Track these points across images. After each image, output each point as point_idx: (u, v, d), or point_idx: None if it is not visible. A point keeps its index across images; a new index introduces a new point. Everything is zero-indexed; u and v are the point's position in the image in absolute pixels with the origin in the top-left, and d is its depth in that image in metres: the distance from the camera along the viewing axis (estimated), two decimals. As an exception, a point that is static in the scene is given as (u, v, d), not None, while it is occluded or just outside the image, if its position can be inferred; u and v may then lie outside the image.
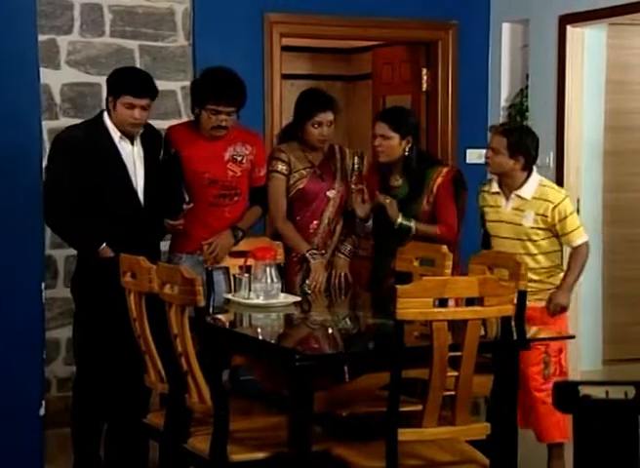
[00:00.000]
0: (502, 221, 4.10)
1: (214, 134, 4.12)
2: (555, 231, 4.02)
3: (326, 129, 4.23)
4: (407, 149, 4.20)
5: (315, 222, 4.28)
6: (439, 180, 4.21)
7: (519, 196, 4.05)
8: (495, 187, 4.15)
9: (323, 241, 4.29)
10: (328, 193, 4.28)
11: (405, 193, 4.23)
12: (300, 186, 4.26)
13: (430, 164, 4.34)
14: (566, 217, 3.99)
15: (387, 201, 4.15)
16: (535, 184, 4.06)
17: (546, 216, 4.00)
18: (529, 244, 4.04)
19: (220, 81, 4.08)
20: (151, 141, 4.02)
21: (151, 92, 3.89)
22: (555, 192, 4.07)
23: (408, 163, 4.22)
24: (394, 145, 4.18)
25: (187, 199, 4.10)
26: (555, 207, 4.00)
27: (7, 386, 3.68)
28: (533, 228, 4.02)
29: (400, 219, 4.14)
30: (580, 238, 4.03)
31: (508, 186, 4.09)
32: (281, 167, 4.25)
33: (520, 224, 4.04)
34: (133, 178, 3.90)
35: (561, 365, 4.06)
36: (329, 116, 4.23)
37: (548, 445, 4.06)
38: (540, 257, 4.04)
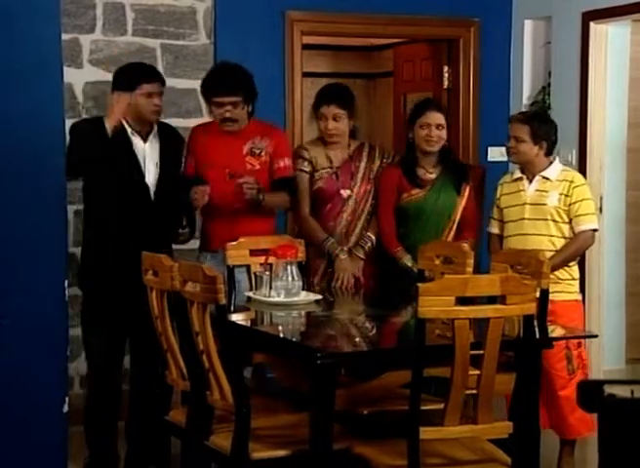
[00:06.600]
0: (526, 204, 4.10)
1: (224, 127, 4.12)
2: (569, 214, 4.03)
3: (331, 123, 4.19)
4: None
5: (330, 224, 4.29)
6: (473, 182, 4.37)
7: (544, 177, 4.08)
8: (517, 173, 4.18)
9: (339, 242, 4.28)
10: (342, 192, 4.27)
11: (442, 184, 4.29)
12: (319, 186, 4.27)
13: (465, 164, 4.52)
14: (583, 200, 4.03)
15: (409, 263, 4.20)
16: (558, 169, 4.12)
17: (569, 196, 4.02)
18: (551, 224, 4.04)
19: (218, 73, 4.13)
20: (170, 140, 4.05)
21: (161, 76, 4.03)
22: (578, 176, 4.16)
23: (446, 154, 4.30)
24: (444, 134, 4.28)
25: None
26: (577, 186, 4.04)
27: (31, 383, 3.70)
28: (556, 207, 4.04)
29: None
30: (590, 222, 4.04)
31: (531, 172, 4.12)
32: (305, 165, 4.26)
33: (544, 204, 4.05)
34: (145, 173, 3.93)
35: (582, 357, 4.05)
36: (333, 110, 4.18)
37: (561, 441, 4.05)
38: (559, 242, 4.03)
